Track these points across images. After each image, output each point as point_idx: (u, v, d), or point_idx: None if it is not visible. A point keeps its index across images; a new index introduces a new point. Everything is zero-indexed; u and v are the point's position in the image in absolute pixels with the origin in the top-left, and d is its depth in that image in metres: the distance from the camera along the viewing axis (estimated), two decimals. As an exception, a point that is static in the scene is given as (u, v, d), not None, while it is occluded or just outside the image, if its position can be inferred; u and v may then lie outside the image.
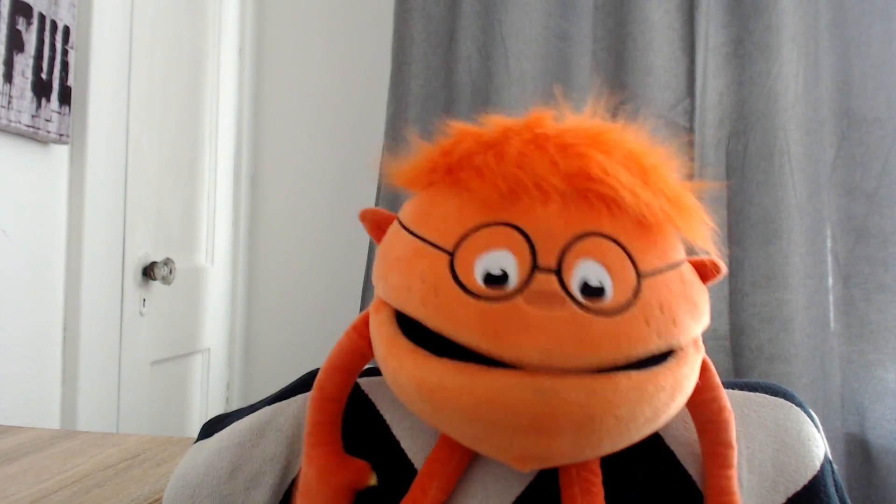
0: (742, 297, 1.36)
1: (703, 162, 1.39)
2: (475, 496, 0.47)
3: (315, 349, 1.38)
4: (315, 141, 1.69)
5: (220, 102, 1.60)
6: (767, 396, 0.51)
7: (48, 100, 1.03)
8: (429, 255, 0.44)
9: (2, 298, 0.99)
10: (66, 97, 1.07)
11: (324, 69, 1.69)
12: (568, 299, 0.40)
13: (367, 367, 0.53)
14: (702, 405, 0.47)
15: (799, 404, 0.52)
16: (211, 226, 1.59)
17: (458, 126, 0.48)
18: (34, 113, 1.00)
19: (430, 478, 0.46)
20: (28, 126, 0.99)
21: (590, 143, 0.44)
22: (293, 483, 0.51)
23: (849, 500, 0.51)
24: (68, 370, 1.10)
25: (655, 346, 0.41)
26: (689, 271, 0.46)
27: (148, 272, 1.29)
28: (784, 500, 0.48)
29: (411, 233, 0.46)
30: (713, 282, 0.48)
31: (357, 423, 0.50)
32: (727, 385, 0.50)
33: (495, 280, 0.41)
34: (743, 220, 1.37)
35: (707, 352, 0.47)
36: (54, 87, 1.04)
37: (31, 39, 0.99)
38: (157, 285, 1.33)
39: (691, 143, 1.38)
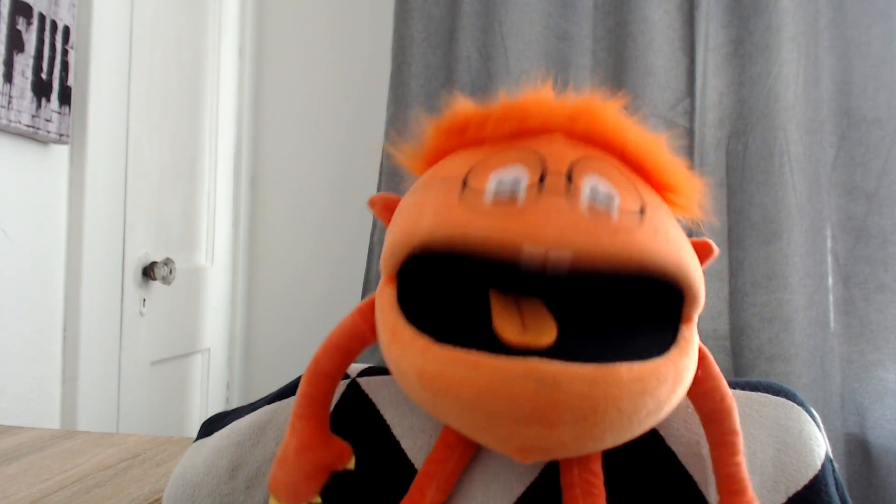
0: (742, 297, 1.36)
1: (703, 162, 1.39)
2: (475, 497, 0.47)
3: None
4: (315, 141, 1.69)
5: (220, 102, 1.60)
6: (769, 396, 0.51)
7: (48, 100, 1.03)
8: (439, 187, 0.44)
9: (2, 298, 0.99)
10: (66, 97, 1.07)
11: (324, 69, 1.69)
12: (581, 196, 0.41)
13: (366, 367, 0.53)
14: (703, 395, 0.47)
15: (800, 403, 0.51)
16: (211, 226, 1.58)
17: (461, 100, 0.49)
18: (34, 113, 1.00)
19: (429, 478, 0.46)
20: (28, 126, 0.99)
21: (591, 100, 0.46)
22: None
23: (849, 500, 0.51)
24: (68, 370, 1.10)
25: (663, 261, 0.41)
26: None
27: (148, 272, 1.29)
28: (785, 500, 0.48)
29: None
30: (707, 263, 0.48)
31: (357, 423, 0.50)
32: (728, 385, 0.50)
33: (508, 193, 0.41)
34: (743, 220, 1.37)
35: (707, 351, 0.47)
36: (54, 87, 1.04)
37: (31, 39, 0.99)
38: (157, 285, 1.33)
39: (691, 143, 1.38)
